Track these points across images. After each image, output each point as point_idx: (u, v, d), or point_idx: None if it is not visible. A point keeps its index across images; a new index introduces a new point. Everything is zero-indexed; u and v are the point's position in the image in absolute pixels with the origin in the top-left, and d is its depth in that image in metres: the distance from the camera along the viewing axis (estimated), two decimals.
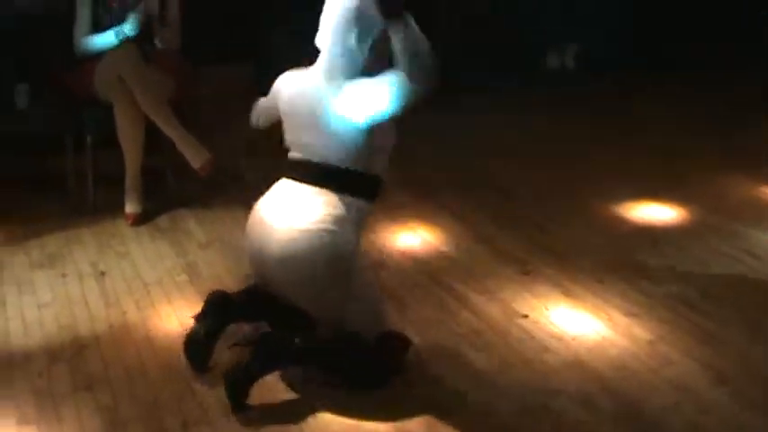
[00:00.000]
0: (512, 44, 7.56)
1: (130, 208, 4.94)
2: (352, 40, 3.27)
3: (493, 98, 7.18)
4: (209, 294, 3.63)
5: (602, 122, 6.70)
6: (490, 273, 4.32)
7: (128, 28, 4.96)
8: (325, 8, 3.36)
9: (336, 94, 3.27)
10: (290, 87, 3.50)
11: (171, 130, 4.82)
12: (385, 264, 4.36)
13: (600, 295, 4.10)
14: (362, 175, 3.37)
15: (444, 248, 4.61)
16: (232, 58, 6.55)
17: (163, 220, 4.97)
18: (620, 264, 4.41)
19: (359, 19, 3.26)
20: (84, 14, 5.09)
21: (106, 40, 5.00)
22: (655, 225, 4.91)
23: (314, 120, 3.33)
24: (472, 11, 7.65)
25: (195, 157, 4.81)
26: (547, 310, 3.99)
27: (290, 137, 3.50)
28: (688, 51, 8.11)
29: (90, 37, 5.05)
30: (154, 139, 4.95)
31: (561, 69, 8.07)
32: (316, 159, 3.36)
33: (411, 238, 4.75)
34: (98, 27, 5.06)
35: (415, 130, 6.19)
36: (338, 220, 3.31)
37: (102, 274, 4.35)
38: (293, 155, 3.48)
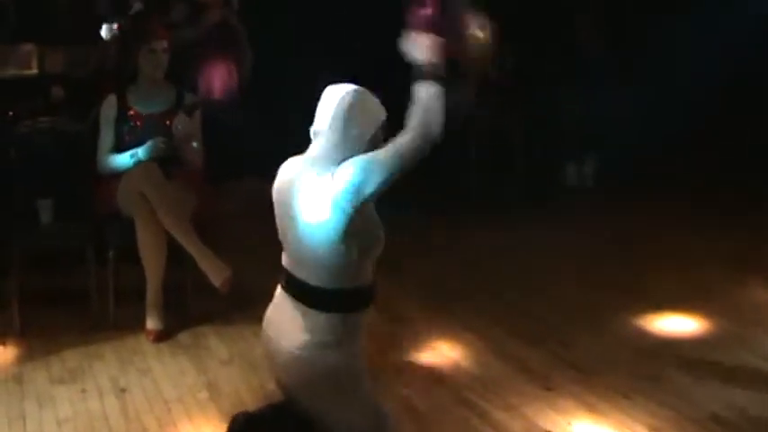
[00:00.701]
0: (529, 159, 7.67)
1: (152, 324, 4.95)
2: (354, 130, 3.21)
3: (508, 213, 7.23)
4: (232, 420, 3.56)
5: (622, 237, 6.71)
6: (512, 389, 4.29)
7: (142, 152, 5.04)
8: (326, 98, 3.19)
9: (323, 178, 3.06)
10: (281, 174, 3.25)
11: (192, 247, 4.86)
12: (406, 380, 4.34)
13: (625, 411, 4.06)
14: (350, 291, 3.18)
15: (465, 364, 4.59)
16: (252, 174, 6.63)
17: (184, 336, 4.97)
18: (644, 378, 4.37)
19: (363, 112, 3.22)
20: (107, 133, 5.19)
21: (122, 161, 5.09)
22: (677, 337, 4.89)
23: (292, 215, 3.12)
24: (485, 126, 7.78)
25: (216, 274, 4.83)
26: (570, 425, 3.94)
27: (279, 233, 3.27)
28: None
29: (110, 156, 5.14)
30: (174, 254, 4.98)
31: (579, 184, 8.11)
32: (299, 275, 3.17)
33: (432, 353, 4.73)
34: (121, 145, 5.15)
35: (430, 245, 6.27)
36: (336, 339, 3.19)
37: (123, 390, 4.34)
38: (284, 258, 3.27)
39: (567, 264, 6.13)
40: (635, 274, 5.83)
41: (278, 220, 3.24)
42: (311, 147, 3.17)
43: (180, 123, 5.12)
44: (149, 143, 5.04)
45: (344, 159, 3.06)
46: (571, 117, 7.87)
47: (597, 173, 8.13)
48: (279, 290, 3.29)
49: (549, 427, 3.93)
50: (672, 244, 6.45)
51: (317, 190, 3.03)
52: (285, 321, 3.22)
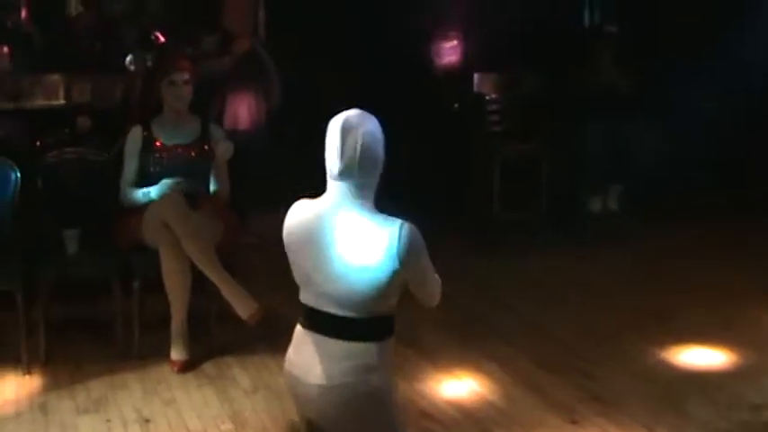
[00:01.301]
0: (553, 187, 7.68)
1: (176, 355, 4.96)
2: (380, 165, 3.21)
3: (531, 242, 7.23)
4: None
5: (647, 265, 6.68)
6: (537, 421, 4.28)
7: (154, 192, 5.08)
8: (339, 133, 3.07)
9: (385, 229, 3.03)
10: (299, 214, 3.18)
11: (217, 278, 4.86)
12: (430, 413, 4.34)
13: None
14: (387, 318, 3.19)
15: (490, 396, 4.58)
16: (277, 204, 6.64)
17: (208, 367, 4.98)
18: (669, 411, 4.35)
19: (379, 141, 3.21)
20: (130, 165, 5.22)
21: (139, 197, 5.14)
22: (703, 370, 4.87)
23: (327, 254, 3.08)
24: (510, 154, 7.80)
25: (243, 306, 4.81)
26: None
27: (297, 276, 3.23)
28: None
29: (130, 190, 5.18)
30: (198, 284, 4.99)
31: (603, 212, 8.10)
32: (329, 309, 3.14)
33: (456, 385, 4.72)
34: (146, 176, 5.19)
35: (454, 273, 6.25)
36: (377, 362, 3.22)
37: (147, 421, 4.35)
38: (306, 299, 3.22)
39: (592, 293, 6.11)
40: (660, 304, 5.81)
41: (300, 260, 3.16)
42: (335, 186, 3.09)
43: (224, 149, 5.19)
44: (162, 183, 5.08)
45: (371, 193, 3.08)
46: (596, 146, 7.86)
47: (622, 202, 8.11)
48: (300, 330, 3.24)
49: None
50: (697, 274, 6.42)
51: (372, 235, 3.01)
52: (314, 358, 3.18)
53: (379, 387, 3.18)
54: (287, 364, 3.28)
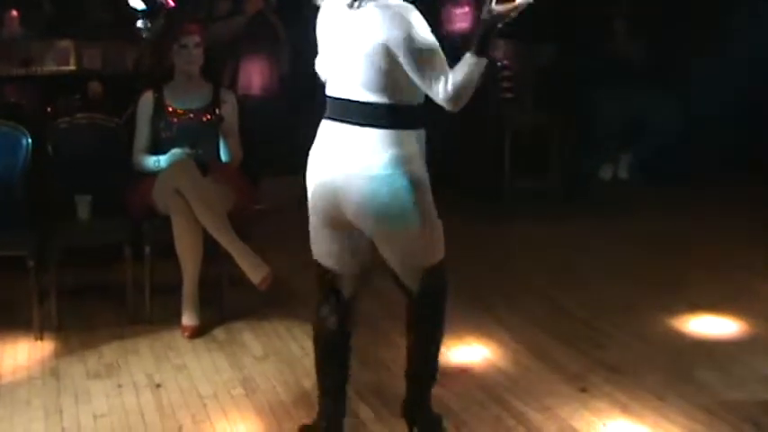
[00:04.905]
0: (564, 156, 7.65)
1: (187, 320, 4.98)
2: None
3: (542, 210, 7.22)
4: None
5: (657, 234, 6.67)
6: (548, 390, 4.27)
7: (164, 161, 5.10)
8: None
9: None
10: (335, 11, 3.40)
11: (229, 244, 4.86)
12: (441, 380, 4.34)
13: (660, 412, 4.03)
14: (412, 107, 3.39)
15: (501, 364, 4.58)
16: (290, 172, 6.64)
17: (219, 332, 4.99)
18: (679, 379, 4.34)
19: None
20: (142, 131, 5.23)
21: (149, 164, 5.16)
22: (714, 339, 4.86)
23: (363, 50, 3.31)
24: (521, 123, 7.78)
25: (254, 271, 4.83)
26: (605, 426, 3.93)
27: (327, 68, 3.43)
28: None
29: (141, 156, 5.19)
30: (209, 250, 5.00)
31: (614, 181, 8.09)
32: (353, 97, 3.34)
33: (467, 353, 4.72)
34: (158, 142, 5.19)
35: (465, 242, 6.25)
36: (416, 151, 3.38)
37: (158, 386, 4.37)
38: (334, 92, 3.42)
39: (602, 262, 6.10)
40: (671, 274, 5.79)
41: (327, 57, 3.40)
42: None
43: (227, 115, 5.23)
44: (172, 153, 5.08)
45: None
46: (608, 116, 7.83)
47: (633, 171, 8.09)
48: (328, 126, 3.41)
49: (583, 428, 3.91)
50: (709, 244, 6.40)
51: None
52: (351, 150, 3.35)
53: (420, 177, 3.39)
54: (317, 163, 3.43)
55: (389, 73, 3.29)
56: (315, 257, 3.61)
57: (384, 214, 3.35)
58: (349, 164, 3.34)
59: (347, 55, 3.35)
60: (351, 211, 3.38)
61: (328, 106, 3.45)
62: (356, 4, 3.30)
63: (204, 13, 7.15)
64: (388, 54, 3.26)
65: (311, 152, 3.48)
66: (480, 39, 3.27)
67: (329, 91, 3.44)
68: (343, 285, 3.60)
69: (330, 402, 3.68)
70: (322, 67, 3.51)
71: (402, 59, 3.25)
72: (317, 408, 3.76)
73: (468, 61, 3.26)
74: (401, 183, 3.32)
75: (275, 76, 7.24)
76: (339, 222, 3.47)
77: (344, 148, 3.36)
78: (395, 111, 3.34)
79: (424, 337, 3.70)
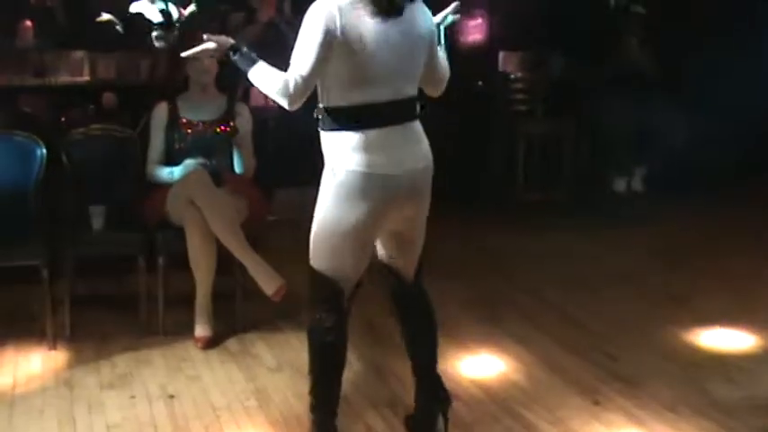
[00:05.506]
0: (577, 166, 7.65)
1: (201, 331, 4.99)
2: None
3: (554, 222, 7.22)
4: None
5: (671, 247, 6.66)
6: (560, 402, 4.27)
7: (177, 172, 5.12)
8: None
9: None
10: (362, 19, 3.38)
11: (243, 255, 4.87)
12: (455, 392, 4.34)
13: (672, 424, 4.03)
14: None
15: (513, 377, 4.58)
16: (303, 183, 6.66)
17: (232, 344, 5.00)
18: (692, 393, 4.34)
19: None
20: (156, 142, 5.25)
21: (163, 175, 5.18)
22: (727, 351, 4.85)
23: (411, 48, 3.47)
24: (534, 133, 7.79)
25: (268, 283, 4.83)
26: None
27: (369, 74, 3.39)
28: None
29: (155, 167, 5.21)
30: (222, 261, 5.01)
31: (628, 193, 8.08)
32: (401, 96, 3.47)
33: (479, 365, 4.72)
34: (171, 153, 5.21)
35: (477, 252, 6.26)
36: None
37: (172, 397, 4.37)
38: (380, 97, 3.43)
39: (616, 273, 6.10)
40: (683, 286, 5.79)
41: (368, 64, 3.39)
42: None
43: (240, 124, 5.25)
44: (185, 164, 5.10)
45: None
46: (621, 127, 7.83)
47: (647, 183, 8.09)
48: (379, 134, 3.44)
49: None
50: (721, 256, 6.39)
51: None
52: (414, 144, 3.56)
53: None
54: (380, 163, 3.45)
55: (423, 65, 3.54)
56: (324, 271, 3.62)
57: (428, 199, 3.63)
58: (419, 158, 3.55)
59: (393, 56, 3.41)
60: (412, 204, 3.57)
61: (374, 114, 3.43)
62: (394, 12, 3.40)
63: (218, 23, 7.16)
64: (429, 46, 3.53)
65: (368, 166, 3.43)
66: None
67: (371, 98, 3.42)
68: (345, 293, 3.63)
69: (329, 419, 3.70)
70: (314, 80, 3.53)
71: (432, 50, 3.55)
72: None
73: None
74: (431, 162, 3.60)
75: None
76: (383, 228, 3.60)
77: (409, 145, 3.53)
78: (417, 101, 3.57)
79: (427, 323, 3.82)
